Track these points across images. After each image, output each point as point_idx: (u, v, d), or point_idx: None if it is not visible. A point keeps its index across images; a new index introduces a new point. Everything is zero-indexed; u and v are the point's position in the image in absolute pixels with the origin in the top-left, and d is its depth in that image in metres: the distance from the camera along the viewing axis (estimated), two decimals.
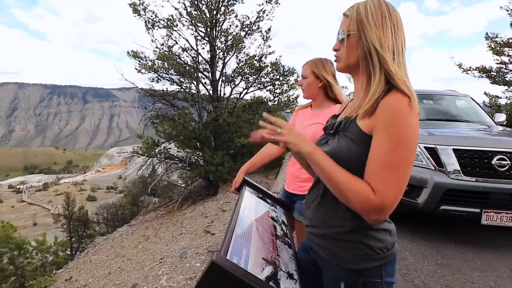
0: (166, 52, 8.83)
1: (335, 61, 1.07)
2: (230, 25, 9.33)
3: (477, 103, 5.00)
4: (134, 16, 8.63)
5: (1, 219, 14.90)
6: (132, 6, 8.54)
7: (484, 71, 11.38)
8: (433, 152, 3.22)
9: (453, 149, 3.16)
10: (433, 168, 3.19)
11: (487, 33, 11.26)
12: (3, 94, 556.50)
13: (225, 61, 9.45)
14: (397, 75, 0.90)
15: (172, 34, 8.98)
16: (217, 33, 9.18)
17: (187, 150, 9.45)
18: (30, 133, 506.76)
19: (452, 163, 3.12)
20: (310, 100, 2.02)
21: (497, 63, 11.25)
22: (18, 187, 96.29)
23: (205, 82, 9.47)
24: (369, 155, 0.89)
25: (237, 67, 9.49)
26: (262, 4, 8.99)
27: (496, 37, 11.03)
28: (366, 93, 0.97)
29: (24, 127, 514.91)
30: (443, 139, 3.35)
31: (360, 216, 0.91)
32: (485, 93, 12.50)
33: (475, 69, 11.54)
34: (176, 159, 9.42)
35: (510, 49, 10.73)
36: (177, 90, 9.39)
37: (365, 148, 0.91)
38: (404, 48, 0.95)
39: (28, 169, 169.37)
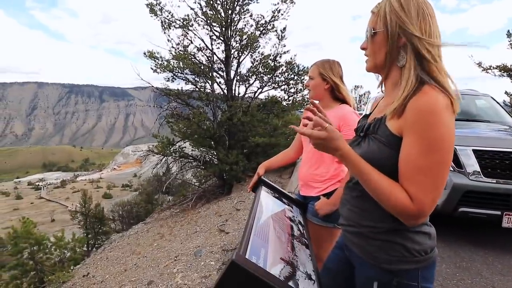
0: (181, 52, 8.92)
1: (366, 61, 1.03)
2: (245, 25, 9.37)
3: (497, 102, 4.86)
4: (151, 16, 8.74)
5: (22, 215, 15.37)
6: (149, 6, 8.65)
7: (505, 70, 11.06)
8: None
9: (473, 150, 3.09)
10: (452, 169, 3.12)
11: (508, 31, 10.94)
12: (23, 93, 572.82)
13: (240, 60, 9.49)
14: (439, 69, 0.86)
15: (188, 33, 9.07)
16: (232, 33, 9.22)
17: (201, 149, 9.53)
18: (49, 131, 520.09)
19: (471, 164, 3.05)
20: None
21: None
22: (37, 184, 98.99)
23: (219, 82, 9.53)
24: (400, 158, 0.87)
25: (251, 66, 9.52)
26: (278, 3, 8.98)
27: None
28: (395, 92, 0.94)
29: (43, 126, 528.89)
30: (462, 140, 3.27)
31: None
32: (506, 92, 12.15)
33: (495, 68, 11.22)
34: (191, 158, 9.51)
35: None
36: (192, 89, 9.48)
37: (396, 150, 0.88)
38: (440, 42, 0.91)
39: (47, 167, 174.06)
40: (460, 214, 3.04)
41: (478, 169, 3.02)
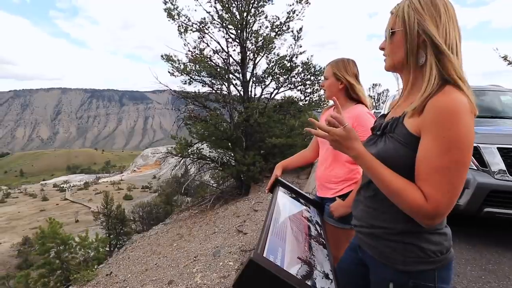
0: (198, 55, 9.04)
1: (384, 60, 1.04)
2: (260, 26, 9.40)
3: None
4: (168, 20, 8.93)
5: (48, 216, 15.95)
6: (166, 11, 8.82)
7: None
8: (475, 151, 3.04)
9: (498, 148, 2.97)
10: (476, 168, 3.02)
11: None
12: (48, 99, 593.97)
13: (256, 62, 9.53)
14: (456, 69, 0.86)
15: (204, 37, 9.19)
16: (247, 35, 9.27)
17: (219, 150, 9.62)
18: (72, 135, 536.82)
19: (496, 162, 2.94)
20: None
21: None
22: (62, 186, 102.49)
23: (236, 83, 9.62)
24: (417, 157, 0.86)
25: (267, 67, 9.55)
26: (293, 4, 8.97)
27: None
28: (415, 91, 0.94)
29: (67, 130, 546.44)
30: (486, 137, 3.15)
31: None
32: None
33: None
34: (208, 159, 9.61)
35: None
36: (209, 91, 9.60)
37: (413, 149, 0.88)
38: (459, 42, 0.90)
39: (71, 169, 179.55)
40: (485, 214, 2.93)
41: (504, 167, 2.91)
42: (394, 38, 0.96)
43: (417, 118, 0.87)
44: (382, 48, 1.03)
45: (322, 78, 1.93)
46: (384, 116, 1.12)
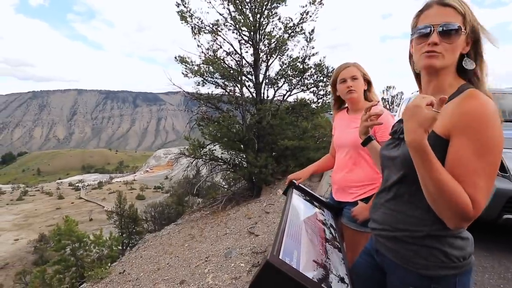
0: (211, 57, 9.11)
1: (429, 56, 0.91)
2: (274, 28, 9.42)
3: None
4: (182, 23, 9.00)
5: (63, 214, 16.29)
6: (179, 13, 8.92)
7: None
8: None
9: None
10: None
11: None
12: (65, 100, 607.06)
13: (269, 63, 9.55)
14: (488, 75, 0.88)
15: (217, 39, 9.25)
16: (260, 36, 9.30)
17: (231, 152, 9.66)
18: (87, 135, 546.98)
19: None
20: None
21: None
22: (76, 185, 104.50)
23: (248, 85, 9.65)
24: (450, 159, 0.85)
25: (280, 69, 9.56)
26: (306, 5, 8.95)
27: None
28: (437, 94, 0.92)
29: (82, 130, 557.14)
30: (506, 142, 3.04)
31: (439, 221, 0.87)
32: None
33: None
34: (220, 160, 9.66)
35: None
36: (222, 93, 9.67)
37: (440, 151, 0.86)
38: None
39: (85, 169, 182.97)
40: (504, 221, 2.85)
41: None
42: (457, 38, 0.89)
43: (446, 120, 0.86)
44: (435, 43, 0.90)
45: (349, 80, 1.81)
46: (402, 120, 1.11)
